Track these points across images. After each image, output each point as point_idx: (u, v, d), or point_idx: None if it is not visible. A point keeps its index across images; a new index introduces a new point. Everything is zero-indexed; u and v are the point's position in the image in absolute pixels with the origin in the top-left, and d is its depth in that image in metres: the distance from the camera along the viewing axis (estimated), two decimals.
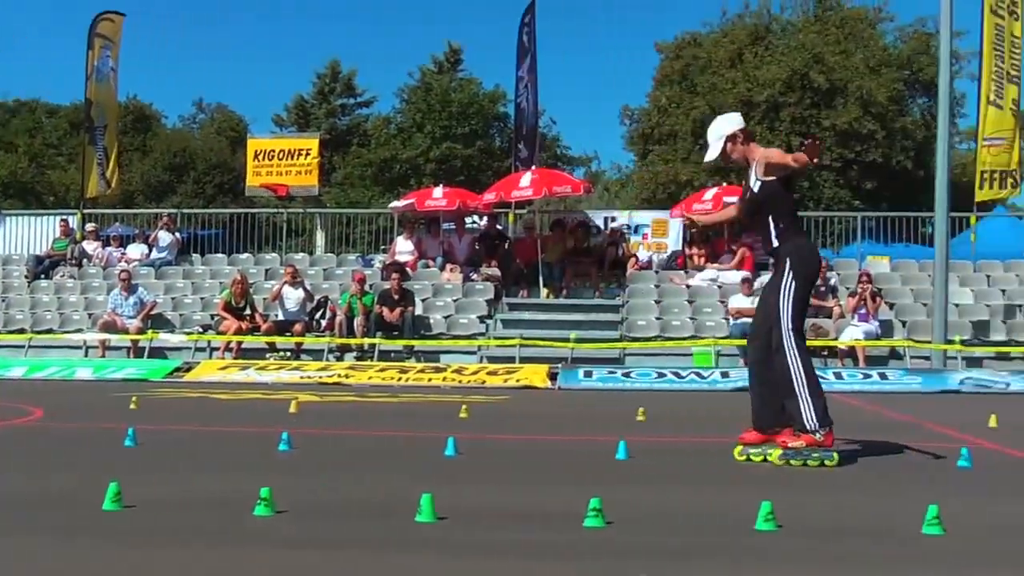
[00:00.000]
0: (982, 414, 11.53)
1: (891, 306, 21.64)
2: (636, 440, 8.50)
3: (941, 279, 19.89)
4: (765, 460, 7.65)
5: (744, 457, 7.82)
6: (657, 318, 21.35)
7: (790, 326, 7.57)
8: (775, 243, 7.78)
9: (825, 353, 20.17)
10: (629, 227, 24.52)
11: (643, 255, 23.84)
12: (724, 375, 18.08)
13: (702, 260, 23.18)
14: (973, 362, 19.97)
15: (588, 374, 18.16)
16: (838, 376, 18.09)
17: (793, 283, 7.63)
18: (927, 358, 19.85)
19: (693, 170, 38.11)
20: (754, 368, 8.07)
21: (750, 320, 19.66)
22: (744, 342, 19.79)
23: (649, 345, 20.53)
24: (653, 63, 45.10)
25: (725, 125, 8.11)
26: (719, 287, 22.13)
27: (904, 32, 42.42)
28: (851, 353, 19.88)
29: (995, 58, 21.58)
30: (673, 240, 24.07)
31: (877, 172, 38.05)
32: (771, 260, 8.10)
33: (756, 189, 7.82)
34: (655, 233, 24.27)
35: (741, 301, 20.54)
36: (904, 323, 21.10)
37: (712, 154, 8.10)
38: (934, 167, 21.27)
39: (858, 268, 22.80)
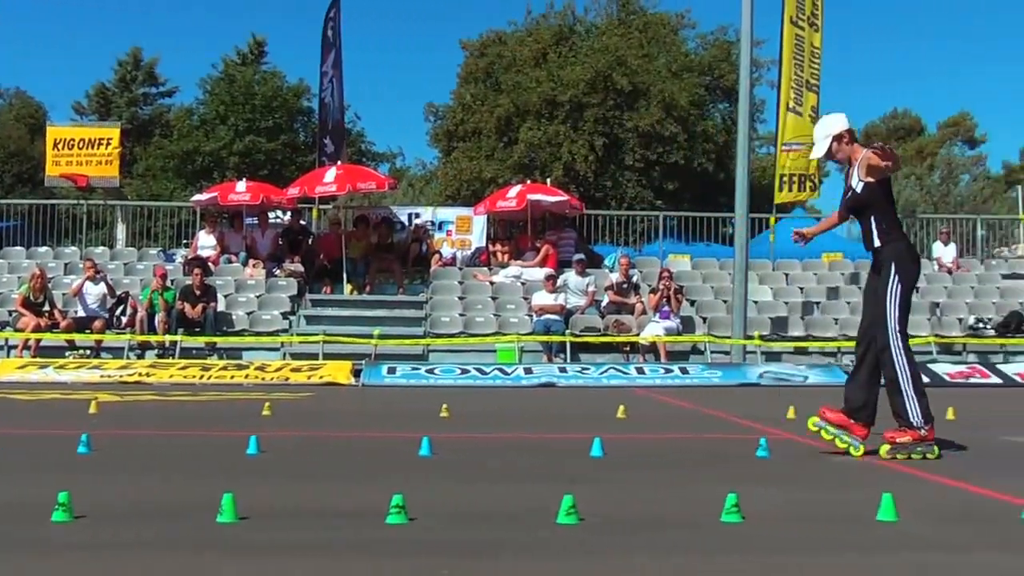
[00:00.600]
0: (781, 406, 11.83)
1: (692, 303, 22.11)
2: (440, 437, 8.43)
3: (741, 277, 20.40)
4: (838, 446, 8.03)
5: (816, 429, 8.23)
6: (461, 315, 21.36)
7: (897, 328, 7.79)
8: (877, 243, 7.99)
9: (627, 349, 20.52)
10: (433, 224, 24.50)
11: (447, 252, 23.85)
12: (527, 371, 18.18)
13: (506, 257, 23.28)
14: (772, 356, 20.58)
15: (392, 371, 18.02)
16: (640, 371, 18.39)
17: (899, 287, 7.86)
18: (727, 353, 20.34)
19: (497, 167, 38.28)
20: (862, 366, 8.21)
21: (554, 316, 20.07)
22: (547, 338, 20.18)
23: (453, 342, 20.51)
24: (458, 60, 45.04)
25: (833, 124, 8.21)
26: (522, 284, 22.25)
27: (706, 39, 43.32)
28: (653, 349, 20.21)
29: (795, 67, 22.23)
30: (477, 237, 24.13)
31: (679, 173, 38.79)
32: (872, 258, 8.18)
33: (859, 190, 8.00)
34: (459, 230, 24.30)
35: (544, 298, 20.70)
36: (705, 319, 21.58)
37: (818, 152, 8.33)
38: (734, 170, 21.79)
39: (660, 266, 23.19)
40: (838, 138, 8.10)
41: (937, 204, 48.04)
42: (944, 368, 18.99)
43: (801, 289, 23.47)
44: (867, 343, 8.10)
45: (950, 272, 25.04)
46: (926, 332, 21.52)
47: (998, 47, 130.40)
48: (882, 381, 7.98)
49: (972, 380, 18.44)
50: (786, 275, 24.20)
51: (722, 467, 7.52)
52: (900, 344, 7.77)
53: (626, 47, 39.35)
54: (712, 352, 20.50)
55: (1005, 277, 25.42)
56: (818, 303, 22.81)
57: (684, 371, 18.52)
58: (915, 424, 7.71)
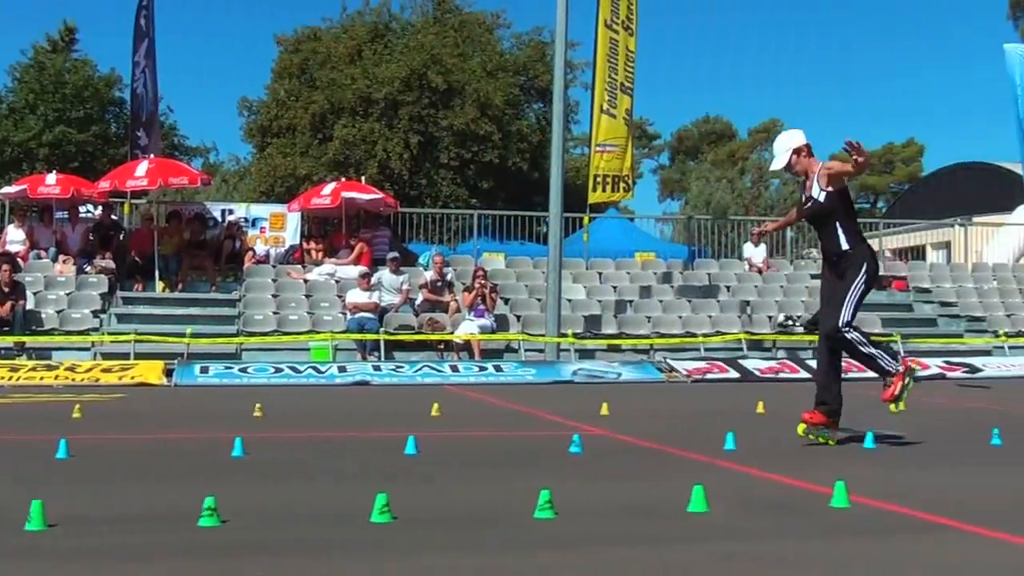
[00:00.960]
0: (594, 403, 11.97)
1: (506, 301, 22.20)
2: (253, 437, 8.30)
3: (555, 276, 20.57)
4: (825, 443, 8.60)
5: (814, 437, 8.70)
6: (274, 313, 21.02)
7: (847, 319, 8.45)
8: (846, 247, 8.51)
9: (441, 347, 20.50)
10: (247, 220, 24.01)
11: (260, 249, 23.41)
12: (342, 370, 18.00)
13: (320, 255, 23.04)
14: (586, 354, 20.78)
15: (205, 370, 17.64)
16: (454, 369, 18.38)
17: (863, 285, 8.49)
18: (541, 351, 20.49)
19: (311, 164, 37.90)
20: (825, 358, 8.93)
21: (368, 314, 19.95)
22: (361, 336, 20.04)
23: (266, 340, 20.18)
24: (272, 55, 44.38)
25: (793, 139, 8.77)
26: (336, 282, 22.04)
27: (521, 39, 43.58)
28: (467, 347, 20.25)
29: (609, 69, 22.47)
30: (291, 234, 23.78)
31: (494, 172, 38.98)
32: (838, 260, 8.62)
33: (823, 200, 8.55)
34: (273, 227, 23.89)
35: (358, 296, 20.55)
36: (519, 317, 21.70)
37: (778, 164, 8.80)
38: (549, 169, 21.95)
39: (474, 264, 23.25)
40: (797, 151, 8.66)
41: (748, 207, 49.33)
42: (754, 364, 19.49)
43: (614, 288, 23.81)
44: (826, 343, 8.83)
45: (760, 272, 25.73)
46: (737, 329, 22.10)
47: (807, 56, 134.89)
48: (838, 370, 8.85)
49: (782, 375, 18.96)
50: (600, 274, 24.51)
51: (536, 464, 7.57)
52: (848, 332, 8.49)
53: (441, 46, 39.35)
54: (526, 350, 20.62)
55: (813, 277, 26.21)
56: (631, 301, 23.17)
57: (498, 369, 18.58)
58: (896, 369, 8.54)
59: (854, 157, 8.17)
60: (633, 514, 5.47)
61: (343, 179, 25.61)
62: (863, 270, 8.47)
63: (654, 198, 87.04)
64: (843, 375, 8.96)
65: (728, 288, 24.42)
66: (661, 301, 23.17)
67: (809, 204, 8.71)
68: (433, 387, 16.43)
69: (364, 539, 4.78)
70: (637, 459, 7.83)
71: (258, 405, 11.35)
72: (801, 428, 8.76)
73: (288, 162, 38.55)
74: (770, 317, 23.10)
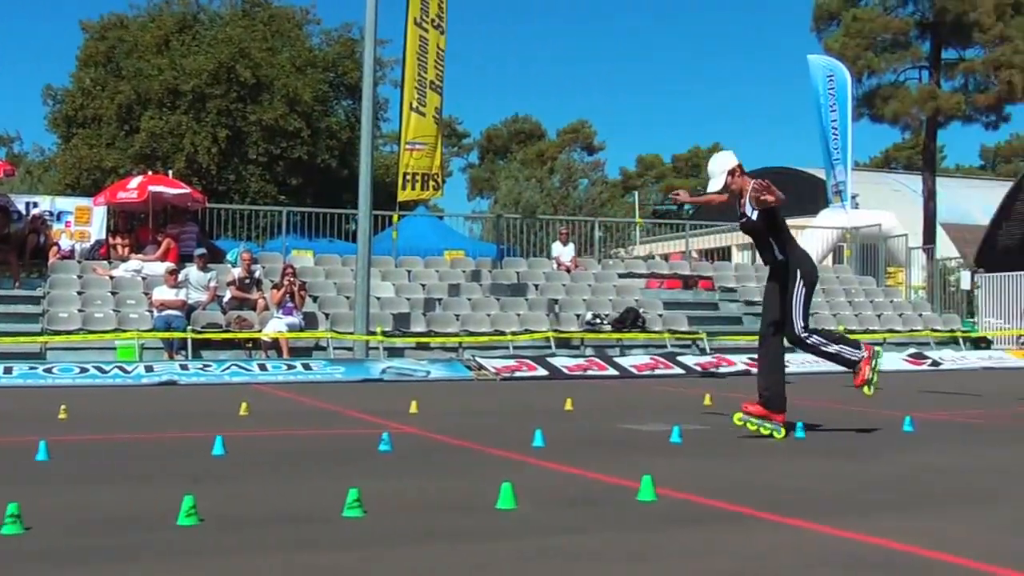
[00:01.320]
0: (403, 401, 11.98)
1: (315, 299, 22.04)
2: (58, 440, 8.06)
3: (364, 273, 20.48)
4: (763, 433, 9.00)
5: (742, 423, 9.15)
6: (80, 310, 20.38)
7: (801, 322, 9.07)
8: (780, 257, 9.17)
9: (250, 345, 20.23)
10: (52, 214, 23.20)
11: (66, 244, 22.67)
12: (148, 369, 17.56)
13: (126, 250, 22.50)
14: (395, 352, 20.78)
15: (8, 371, 16.97)
16: (263, 368, 18.14)
17: (803, 289, 9.07)
18: (350, 349, 20.39)
19: (118, 156, 36.95)
20: (764, 360, 9.53)
21: (175, 312, 19.54)
22: (168, 335, 19.63)
23: (71, 339, 19.57)
24: (77, 42, 43.03)
25: (727, 161, 9.34)
26: (143, 278, 21.55)
27: (330, 36, 43.26)
28: (275, 345, 20.02)
29: (419, 67, 22.44)
30: (96, 229, 23.07)
31: (303, 169, 38.63)
32: (773, 267, 9.33)
33: (755, 218, 9.15)
34: (78, 221, 23.13)
35: (165, 293, 20.12)
36: (327, 315, 21.56)
37: (716, 186, 9.31)
38: (358, 166, 21.85)
39: (283, 262, 23.02)
40: (731, 172, 9.26)
41: (557, 206, 49.84)
42: (562, 361, 19.75)
43: (423, 286, 23.84)
44: (767, 340, 9.45)
45: (568, 271, 26.09)
46: (545, 327, 22.36)
47: (616, 59, 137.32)
48: (786, 369, 9.61)
49: (590, 372, 19.27)
50: (409, 272, 24.51)
51: (345, 462, 7.52)
52: (806, 330, 9.15)
53: (250, 39, 38.79)
54: (335, 348, 20.51)
55: (621, 276, 26.79)
56: (440, 300, 23.23)
57: (307, 367, 18.41)
58: (860, 356, 9.20)
59: (764, 198, 8.84)
60: (441, 511, 5.49)
61: (150, 172, 25.04)
62: (798, 276, 9.07)
63: (463, 196, 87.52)
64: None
65: (537, 287, 24.70)
66: (470, 299, 23.30)
67: (744, 220, 9.30)
68: (241, 386, 16.19)
69: (171, 542, 4.68)
70: (446, 457, 7.85)
71: (63, 407, 11.00)
72: (737, 417, 9.25)
73: (94, 154, 37.47)
74: (578, 315, 23.45)
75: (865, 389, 9.25)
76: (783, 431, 8.96)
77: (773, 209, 9.09)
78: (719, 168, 9.33)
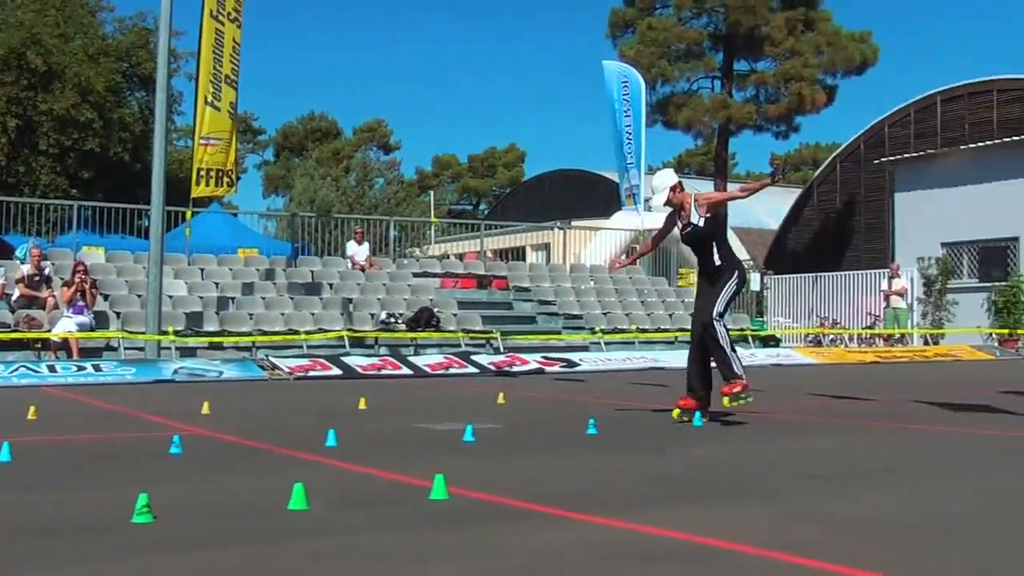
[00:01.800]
0: (196, 402, 11.80)
1: (106, 297, 21.49)
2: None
3: (156, 271, 20.06)
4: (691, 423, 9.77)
5: (680, 418, 10.02)
6: None
7: (717, 313, 9.89)
8: (719, 263, 10.02)
9: (39, 346, 19.61)
10: None
11: None
12: None
13: None
14: (187, 352, 20.41)
15: None
16: (52, 369, 17.59)
17: (733, 287, 10.07)
18: (142, 349, 19.95)
19: None
20: (697, 352, 10.19)
21: None
22: None
23: None
24: None
25: (669, 178, 10.18)
26: None
27: (124, 24, 42.25)
28: (65, 345, 19.46)
29: (214, 61, 22.05)
30: None
31: (95, 162, 37.59)
32: (708, 272, 10.13)
33: (702, 224, 10.06)
34: None
35: None
36: (119, 314, 21.05)
37: (660, 200, 10.16)
38: (152, 161, 21.39)
39: (73, 258, 22.38)
40: (673, 188, 10.14)
41: (352, 205, 49.67)
42: (357, 361, 19.72)
43: (217, 284, 23.49)
44: (698, 338, 10.13)
45: (363, 270, 26.03)
46: (339, 327, 22.27)
47: (413, 61, 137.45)
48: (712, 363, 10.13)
49: (384, 371, 19.28)
50: (202, 270, 24.12)
51: (136, 466, 7.37)
52: (719, 323, 9.88)
53: (42, 24, 37.51)
54: (126, 348, 20.04)
55: (416, 275, 26.88)
56: (233, 298, 22.92)
57: (98, 368, 17.92)
58: (739, 374, 9.90)
59: (775, 170, 9.74)
60: (233, 514, 5.44)
61: None
62: (734, 275, 10.06)
63: (258, 194, 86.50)
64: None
65: (331, 286, 24.61)
66: (264, 298, 23.07)
67: (689, 229, 10.14)
68: (30, 389, 15.70)
69: None
70: (239, 458, 7.77)
71: None
72: (676, 413, 10.09)
73: None
74: (372, 315, 23.45)
75: (725, 400, 9.92)
76: (752, 398, 10.13)
77: (719, 215, 10.24)
78: (663, 184, 10.16)
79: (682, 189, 10.29)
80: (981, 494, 6.07)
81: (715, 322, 9.88)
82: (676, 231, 10.46)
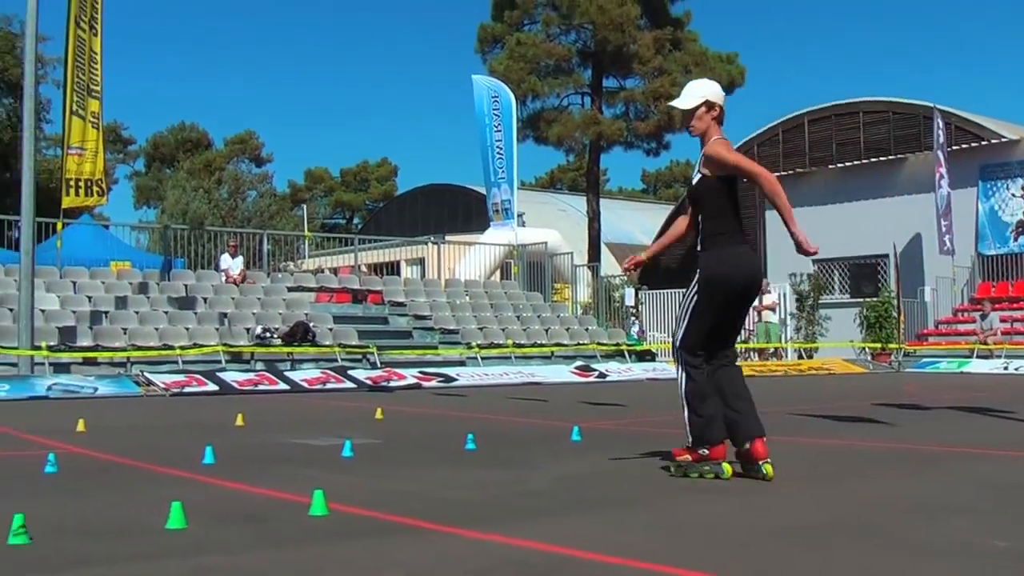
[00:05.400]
0: (71, 419, 11.63)
1: None
2: None
3: (27, 284, 19.69)
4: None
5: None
6: None
7: (681, 336, 7.09)
8: (698, 247, 7.04)
9: None
10: None
11: None
12: None
13: None
14: (61, 368, 20.05)
15: None
16: None
17: (696, 297, 7.01)
18: (15, 365, 19.55)
19: None
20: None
21: None
22: None
23: None
24: None
25: (712, 90, 7.09)
26: None
27: None
28: None
29: (77, 70, 21.71)
30: None
31: None
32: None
33: (695, 182, 7.09)
34: None
35: None
36: None
37: (683, 103, 7.06)
38: (21, 170, 20.98)
39: None
40: (709, 105, 7.04)
41: (225, 218, 49.18)
42: (233, 376, 19.57)
43: (89, 298, 23.10)
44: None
45: (237, 284, 25.81)
46: (215, 341, 22.06)
47: (283, 74, 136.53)
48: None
49: (261, 387, 19.16)
50: (74, 283, 23.70)
51: (10, 486, 7.25)
52: (683, 358, 7.10)
53: None
54: None
55: (291, 289, 26.73)
56: (107, 312, 22.57)
57: None
58: (702, 444, 7.02)
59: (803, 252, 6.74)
60: (110, 534, 5.40)
61: None
62: (695, 280, 7.05)
63: (130, 205, 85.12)
64: None
65: (206, 300, 24.36)
66: (137, 312, 22.77)
67: (692, 183, 7.20)
68: None
69: None
70: (115, 477, 7.70)
71: None
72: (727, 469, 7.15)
73: None
74: (248, 329, 23.26)
75: (673, 467, 7.26)
76: (727, 469, 7.03)
77: (730, 179, 7.04)
78: (697, 91, 7.11)
79: (719, 119, 7.10)
80: (847, 503, 6.28)
81: (679, 354, 7.18)
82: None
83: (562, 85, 43.79)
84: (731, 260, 6.93)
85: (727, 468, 6.96)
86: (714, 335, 7.04)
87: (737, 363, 7.34)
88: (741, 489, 6.75)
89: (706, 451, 6.99)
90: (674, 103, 7.22)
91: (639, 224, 52.77)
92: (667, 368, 26.13)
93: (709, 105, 7.02)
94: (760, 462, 6.93)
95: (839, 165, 39.36)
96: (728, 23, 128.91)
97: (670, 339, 34.97)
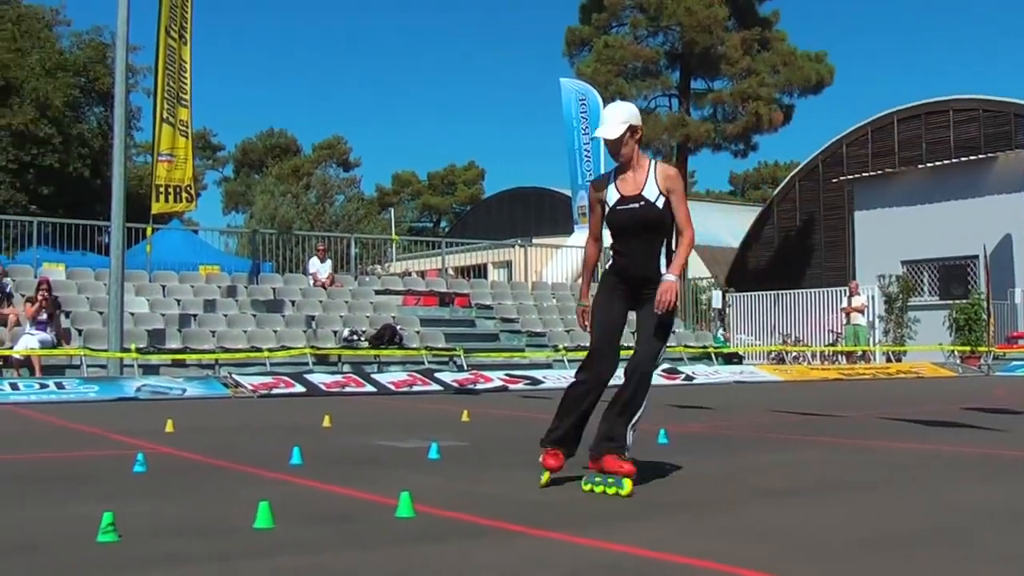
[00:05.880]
0: (159, 420, 11.74)
1: (67, 314, 21.35)
2: None
3: (117, 288, 19.96)
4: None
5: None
6: None
7: (656, 366, 7.21)
8: (664, 271, 6.82)
9: (0, 363, 19.48)
10: None
11: None
12: None
13: None
14: (150, 369, 20.29)
15: None
16: (14, 387, 17.46)
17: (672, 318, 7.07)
18: (104, 367, 19.82)
19: None
20: (592, 398, 7.34)
21: None
22: None
23: None
24: None
25: (630, 113, 6.97)
26: None
27: (81, 38, 42.11)
28: (27, 363, 19.32)
29: (167, 78, 22.01)
30: None
31: (54, 178, 37.42)
32: (641, 281, 6.98)
33: (660, 205, 6.83)
34: None
35: None
36: (80, 331, 20.91)
37: (613, 133, 6.84)
38: (111, 177, 21.29)
39: (34, 275, 22.25)
40: (633, 130, 6.90)
41: (313, 222, 49.60)
42: (320, 378, 19.66)
43: (178, 301, 23.39)
44: (604, 381, 7.26)
45: (325, 287, 25.97)
46: (302, 344, 22.20)
47: (372, 79, 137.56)
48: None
49: (348, 389, 19.22)
50: (163, 287, 24.02)
51: (100, 485, 7.31)
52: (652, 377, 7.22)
53: None
54: (88, 366, 19.91)
55: (378, 293, 26.86)
56: (195, 315, 22.82)
57: (60, 386, 17.80)
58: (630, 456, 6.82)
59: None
60: (199, 533, 5.41)
61: None
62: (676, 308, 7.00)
63: (219, 210, 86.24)
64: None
65: (293, 303, 24.56)
66: (226, 315, 22.99)
67: (640, 205, 6.85)
68: None
69: None
70: (203, 477, 7.73)
71: None
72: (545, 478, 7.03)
73: None
74: (335, 332, 23.39)
75: (627, 484, 6.53)
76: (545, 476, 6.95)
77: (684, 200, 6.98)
78: (623, 115, 6.95)
79: (640, 141, 7.03)
80: (931, 510, 6.12)
81: (656, 368, 7.23)
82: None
83: (650, 87, 43.55)
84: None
85: (546, 474, 6.96)
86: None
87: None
88: (821, 494, 6.62)
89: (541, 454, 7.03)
90: (598, 133, 7.01)
91: (727, 226, 52.28)
92: (754, 371, 25.88)
93: (633, 129, 6.91)
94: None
95: (928, 164, 38.70)
96: (816, 21, 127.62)
97: (759, 343, 34.79)
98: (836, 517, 5.81)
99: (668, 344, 7.17)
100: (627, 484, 6.52)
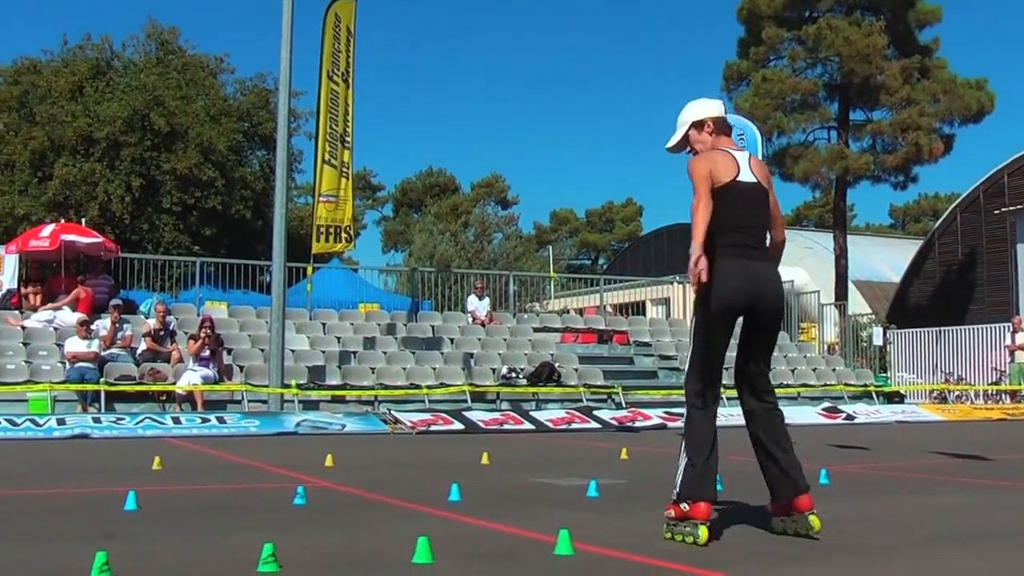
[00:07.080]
0: (319, 454, 11.86)
1: (229, 351, 21.80)
2: None
3: (278, 326, 20.31)
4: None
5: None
6: None
7: (688, 376, 6.45)
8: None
9: (163, 398, 19.95)
10: None
11: None
12: (60, 422, 17.14)
13: (38, 300, 22.13)
14: (310, 405, 20.57)
15: None
16: (176, 421, 17.86)
17: (695, 320, 6.27)
18: (265, 402, 20.17)
19: (31, 204, 36.47)
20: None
21: (87, 364, 19.17)
22: (81, 387, 19.26)
23: None
24: None
25: (692, 111, 6.53)
26: (55, 329, 21.22)
27: (244, 85, 43.16)
28: (189, 398, 19.77)
29: (330, 121, 22.46)
30: (8, 278, 22.59)
31: (216, 219, 38.37)
32: None
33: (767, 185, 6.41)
34: None
35: (77, 344, 19.78)
36: (242, 368, 21.33)
37: (669, 143, 6.63)
38: (272, 217, 21.73)
39: (197, 313, 22.80)
40: (698, 126, 6.50)
41: (471, 260, 50.00)
42: (478, 415, 19.67)
43: (338, 338, 23.72)
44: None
45: (483, 325, 26.10)
46: (461, 381, 22.30)
47: (530, 115, 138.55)
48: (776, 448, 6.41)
49: (506, 426, 19.20)
50: (323, 324, 24.39)
51: (260, 516, 7.40)
52: (697, 392, 6.40)
53: (164, 87, 38.61)
54: (249, 401, 20.28)
55: (536, 330, 26.88)
56: (355, 352, 23.11)
57: (221, 421, 18.14)
58: (675, 496, 6.18)
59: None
60: (357, 567, 5.42)
61: (63, 220, 24.71)
62: (699, 303, 6.25)
63: (378, 249, 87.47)
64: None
65: (452, 340, 24.70)
66: (385, 352, 23.22)
67: (753, 184, 6.36)
68: (155, 439, 15.95)
69: None
70: (362, 511, 7.76)
71: None
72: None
73: (6, 201, 36.91)
74: (493, 369, 23.45)
75: (667, 531, 6.15)
76: (703, 533, 5.96)
77: (723, 190, 6.14)
78: (680, 121, 6.61)
79: (717, 132, 6.48)
80: None
81: (686, 396, 6.48)
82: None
83: (808, 120, 42.86)
84: (723, 274, 6.07)
85: (703, 532, 5.94)
86: (718, 367, 6.34)
87: (778, 408, 6.54)
88: (990, 540, 6.35)
89: (687, 507, 6.06)
90: (668, 145, 6.65)
91: (888, 260, 51.12)
92: (916, 410, 25.16)
93: (698, 125, 6.47)
94: (805, 513, 6.18)
95: None
96: (976, 47, 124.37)
97: (921, 381, 33.86)
98: (1004, 564, 5.56)
99: (699, 354, 6.31)
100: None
